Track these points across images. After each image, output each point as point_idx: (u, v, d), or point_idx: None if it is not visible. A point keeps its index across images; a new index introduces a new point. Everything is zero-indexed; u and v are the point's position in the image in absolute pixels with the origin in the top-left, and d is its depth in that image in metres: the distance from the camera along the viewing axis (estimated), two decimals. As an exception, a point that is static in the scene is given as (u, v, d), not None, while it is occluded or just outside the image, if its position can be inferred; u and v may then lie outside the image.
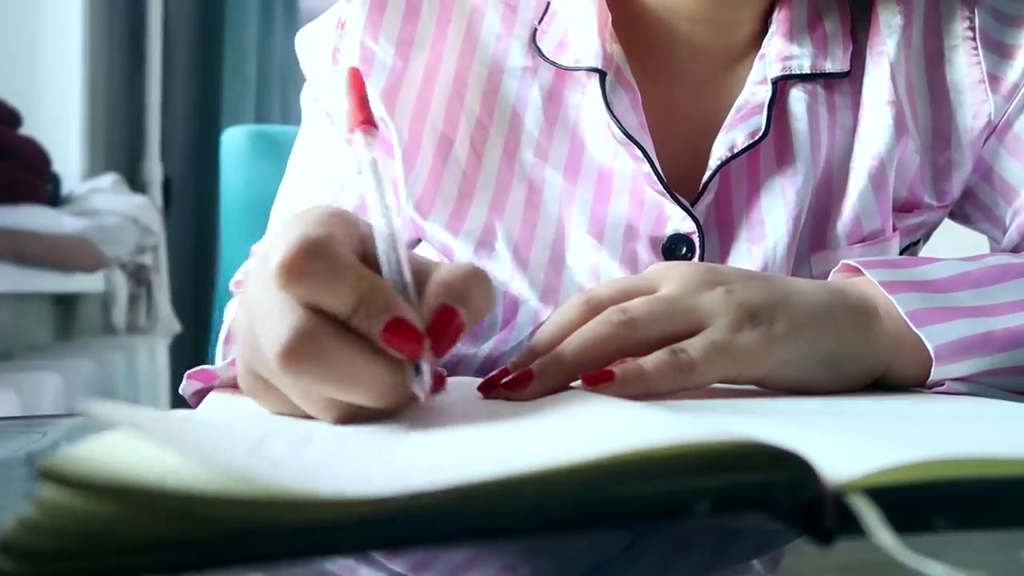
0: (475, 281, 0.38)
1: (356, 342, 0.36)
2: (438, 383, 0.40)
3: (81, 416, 0.54)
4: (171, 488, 0.24)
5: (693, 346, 0.45)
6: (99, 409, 0.27)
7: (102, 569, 0.24)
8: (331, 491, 0.24)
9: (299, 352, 0.35)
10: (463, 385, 0.51)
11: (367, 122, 0.43)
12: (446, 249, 0.66)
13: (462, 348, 0.67)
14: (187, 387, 0.53)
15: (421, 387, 0.36)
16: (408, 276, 0.38)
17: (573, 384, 0.46)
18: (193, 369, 0.53)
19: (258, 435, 0.33)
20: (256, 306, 0.38)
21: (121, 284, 2.31)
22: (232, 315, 0.40)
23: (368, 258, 0.39)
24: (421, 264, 0.41)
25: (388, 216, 0.40)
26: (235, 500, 0.24)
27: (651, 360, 0.44)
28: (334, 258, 0.36)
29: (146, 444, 0.26)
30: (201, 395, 0.54)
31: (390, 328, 0.35)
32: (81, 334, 2.33)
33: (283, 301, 0.36)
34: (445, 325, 0.37)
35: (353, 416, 0.37)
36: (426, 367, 0.36)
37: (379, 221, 0.39)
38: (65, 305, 2.27)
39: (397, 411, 0.38)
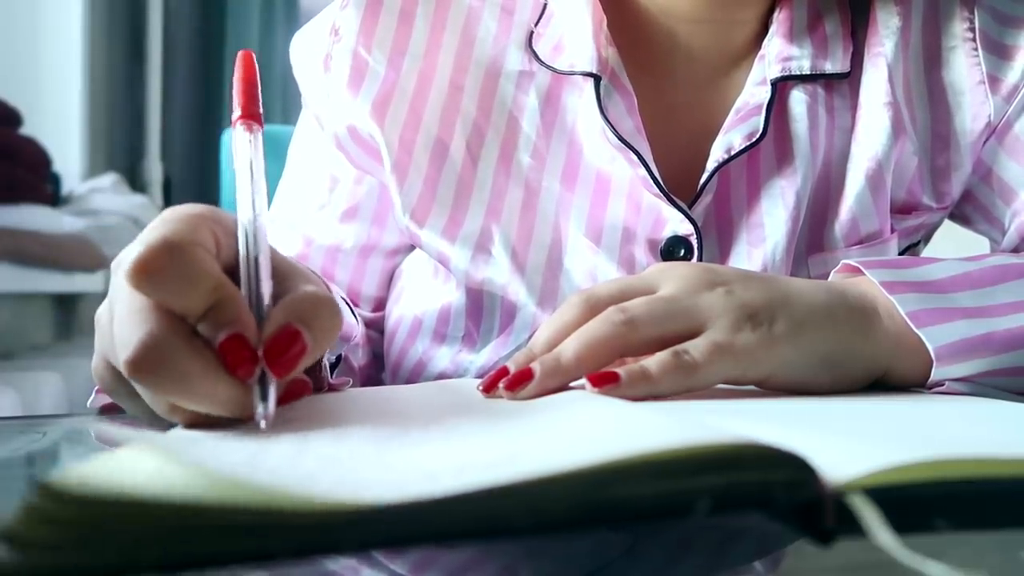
0: (324, 306, 0.38)
1: (204, 353, 0.35)
2: (300, 390, 0.39)
3: (81, 416, 0.53)
4: (170, 500, 0.24)
5: (696, 347, 0.45)
6: (98, 427, 0.27)
7: (104, 561, 0.24)
8: (327, 496, 0.24)
9: (146, 361, 0.35)
10: (462, 386, 0.51)
11: (250, 117, 0.42)
12: (442, 257, 0.66)
13: (460, 354, 0.67)
14: (96, 400, 0.52)
15: (264, 412, 0.35)
16: (266, 288, 0.38)
17: (574, 384, 0.46)
18: None
19: (255, 447, 0.33)
20: (117, 300, 0.37)
21: (121, 284, 2.31)
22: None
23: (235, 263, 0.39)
24: (285, 273, 0.40)
25: (255, 221, 0.39)
26: (234, 508, 0.24)
27: (655, 361, 0.44)
28: (191, 262, 0.36)
29: (143, 458, 0.26)
30: (110, 408, 0.53)
31: (228, 343, 0.35)
32: (81, 334, 2.33)
33: (138, 304, 0.36)
34: (286, 345, 0.36)
35: (202, 421, 0.37)
36: (272, 389, 0.35)
37: (244, 227, 0.39)
38: (65, 305, 2.27)
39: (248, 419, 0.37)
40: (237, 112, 0.43)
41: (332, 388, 0.50)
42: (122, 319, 0.36)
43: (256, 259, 0.38)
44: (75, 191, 2.29)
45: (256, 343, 0.36)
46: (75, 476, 0.24)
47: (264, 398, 0.35)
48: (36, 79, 2.43)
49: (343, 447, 0.32)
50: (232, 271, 0.38)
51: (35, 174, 2.03)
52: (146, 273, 0.35)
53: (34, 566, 0.23)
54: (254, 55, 0.44)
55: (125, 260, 0.36)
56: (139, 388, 0.37)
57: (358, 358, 0.70)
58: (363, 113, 0.65)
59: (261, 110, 0.43)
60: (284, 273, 0.41)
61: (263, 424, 0.35)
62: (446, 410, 0.42)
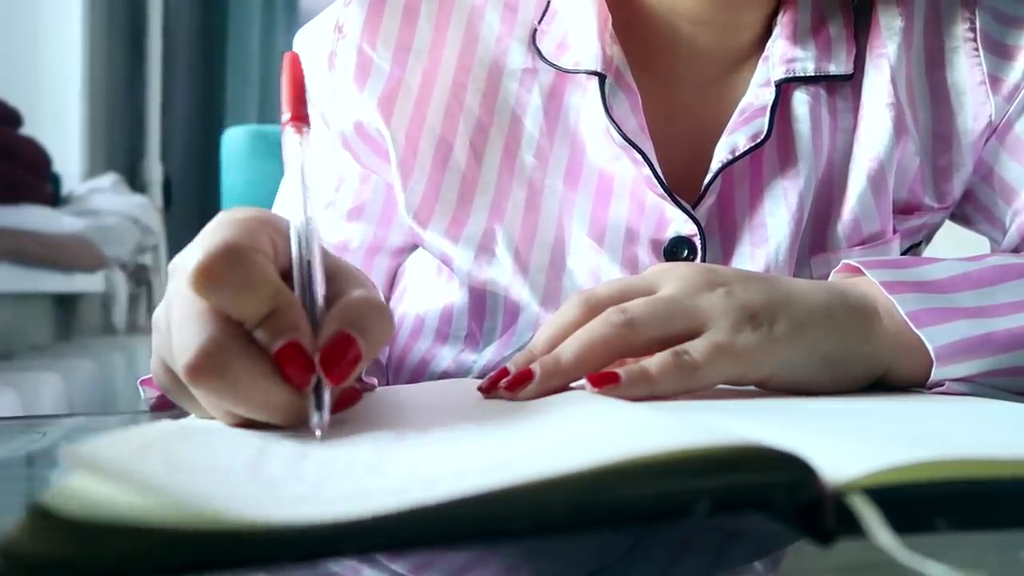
0: (376, 311, 0.38)
1: (260, 360, 0.35)
2: (352, 397, 0.39)
3: (81, 416, 0.54)
4: (162, 528, 0.24)
5: (696, 348, 0.45)
6: (87, 452, 0.27)
7: (101, 573, 0.24)
8: (329, 515, 0.24)
9: (203, 368, 0.35)
10: (462, 387, 0.51)
11: (299, 118, 0.42)
12: (445, 257, 0.66)
13: (462, 354, 0.67)
14: (147, 396, 0.53)
15: (319, 421, 0.35)
16: (319, 292, 0.38)
17: (574, 384, 0.46)
18: (147, 376, 0.52)
19: (256, 447, 0.33)
20: (174, 303, 0.38)
21: (121, 284, 2.31)
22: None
23: (290, 267, 0.39)
24: (334, 273, 0.40)
25: (308, 225, 0.39)
26: (228, 535, 0.24)
27: (655, 362, 0.44)
28: (251, 268, 0.36)
29: (136, 477, 0.26)
30: (162, 401, 0.53)
31: (285, 351, 0.35)
32: (81, 334, 2.33)
33: (198, 308, 0.36)
34: (341, 352, 0.36)
35: (253, 426, 0.37)
36: (327, 397, 0.35)
37: (297, 230, 0.39)
38: (65, 305, 2.27)
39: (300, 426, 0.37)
40: (287, 115, 0.43)
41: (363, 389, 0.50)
42: (180, 323, 0.36)
43: (309, 263, 0.38)
44: (75, 191, 2.30)
45: (312, 350, 0.36)
46: (67, 495, 0.24)
47: (319, 407, 0.35)
48: (36, 79, 2.43)
49: (342, 453, 0.32)
50: (287, 275, 0.38)
51: (35, 174, 2.03)
52: (207, 279, 0.35)
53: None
54: (301, 57, 0.44)
55: (185, 264, 0.36)
56: (196, 393, 0.37)
57: (384, 355, 0.70)
58: (370, 108, 0.65)
59: (310, 111, 0.43)
60: (333, 273, 0.40)
61: (319, 433, 0.35)
62: (445, 412, 0.42)
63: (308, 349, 0.36)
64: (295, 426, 0.36)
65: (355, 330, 0.36)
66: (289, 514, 0.24)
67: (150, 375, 0.54)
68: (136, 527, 0.24)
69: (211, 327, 0.35)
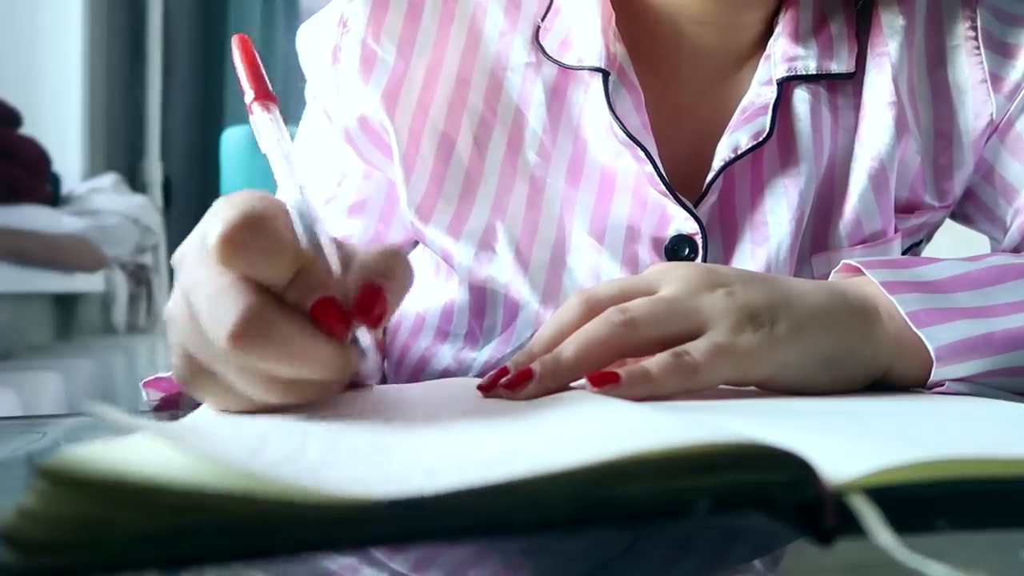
0: (396, 259, 0.39)
1: (298, 319, 0.36)
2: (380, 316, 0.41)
3: (81, 416, 0.54)
4: (172, 484, 0.24)
5: (697, 348, 0.45)
6: (102, 410, 0.27)
7: (102, 561, 0.24)
8: (332, 490, 0.24)
9: (249, 333, 0.35)
10: (462, 385, 0.51)
11: (264, 96, 0.43)
12: (446, 254, 0.66)
13: (462, 352, 0.67)
14: (149, 396, 0.53)
15: (369, 367, 0.37)
16: (330, 251, 0.39)
17: (574, 384, 0.46)
18: (148, 378, 0.52)
19: (258, 435, 0.33)
20: (196, 287, 0.38)
21: (121, 284, 2.31)
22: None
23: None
24: (339, 243, 0.41)
25: (303, 192, 0.40)
26: (238, 496, 0.24)
27: (656, 362, 0.44)
28: (273, 232, 0.36)
29: (148, 443, 0.26)
30: (166, 403, 0.53)
31: (320, 306, 0.36)
32: (81, 334, 2.33)
33: (226, 281, 0.36)
34: (371, 302, 0.37)
35: (295, 396, 0.38)
36: (370, 345, 0.37)
37: (293, 199, 0.39)
38: (65, 305, 2.28)
39: (338, 389, 0.39)
40: (250, 95, 0.43)
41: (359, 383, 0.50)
42: (210, 300, 0.37)
43: (313, 227, 0.39)
44: (75, 191, 2.30)
45: (344, 302, 0.37)
46: (75, 460, 0.24)
47: (364, 353, 0.37)
48: (36, 79, 2.43)
49: (343, 442, 0.33)
50: None
51: (35, 174, 2.03)
52: (232, 247, 0.35)
53: (33, 566, 0.23)
54: (248, 37, 0.44)
55: (205, 240, 0.36)
56: (237, 364, 0.37)
57: (381, 355, 0.70)
58: (374, 102, 0.66)
59: (270, 87, 0.44)
60: (337, 244, 0.41)
61: (373, 381, 0.36)
62: (446, 407, 0.42)
63: (340, 302, 0.37)
64: (334, 388, 0.38)
65: (380, 277, 0.38)
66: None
67: (151, 376, 0.54)
68: (141, 489, 0.24)
69: (245, 295, 0.36)
